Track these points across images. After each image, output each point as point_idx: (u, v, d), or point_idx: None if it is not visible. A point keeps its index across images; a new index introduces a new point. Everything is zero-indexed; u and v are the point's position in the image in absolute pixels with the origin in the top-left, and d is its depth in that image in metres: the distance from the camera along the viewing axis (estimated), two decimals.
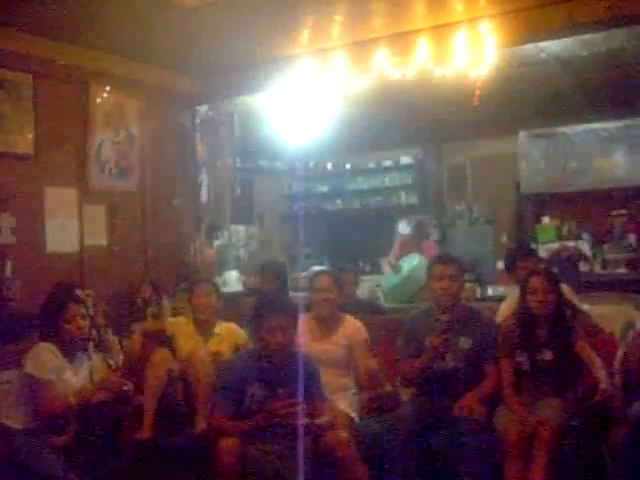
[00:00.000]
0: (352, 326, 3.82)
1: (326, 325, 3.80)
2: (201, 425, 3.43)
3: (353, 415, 3.59)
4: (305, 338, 3.52)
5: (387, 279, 6.45)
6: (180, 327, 3.94)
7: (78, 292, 3.91)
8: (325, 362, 3.49)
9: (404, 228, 8.59)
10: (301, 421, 3.00)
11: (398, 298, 5.89)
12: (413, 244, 6.68)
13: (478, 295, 5.78)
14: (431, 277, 3.50)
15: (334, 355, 3.68)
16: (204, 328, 3.91)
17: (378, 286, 6.54)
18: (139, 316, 4.85)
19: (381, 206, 9.30)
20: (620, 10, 3.99)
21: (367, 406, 3.68)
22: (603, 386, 3.05)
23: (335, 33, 4.56)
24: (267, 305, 3.30)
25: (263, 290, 4.39)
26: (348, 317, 3.86)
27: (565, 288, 3.55)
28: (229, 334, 3.93)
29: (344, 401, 3.58)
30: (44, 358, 3.22)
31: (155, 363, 3.67)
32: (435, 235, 7.73)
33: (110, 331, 4.13)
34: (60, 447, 3.16)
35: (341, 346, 3.73)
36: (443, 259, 3.63)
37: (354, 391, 3.73)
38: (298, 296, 4.29)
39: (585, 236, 7.00)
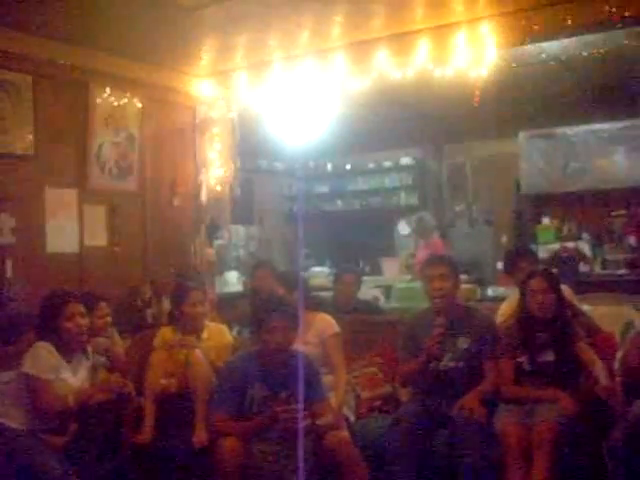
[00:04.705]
0: (323, 321, 3.76)
1: None
2: (201, 434, 3.39)
3: (348, 414, 3.58)
4: None
5: (401, 278, 6.48)
6: (167, 336, 3.80)
7: (102, 305, 3.90)
8: None
9: (404, 229, 8.61)
10: (302, 424, 3.00)
11: (408, 298, 5.86)
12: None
13: (478, 296, 5.78)
14: (424, 279, 3.52)
15: (310, 354, 3.54)
16: (192, 335, 3.76)
17: (378, 287, 6.55)
18: (139, 317, 4.85)
19: (381, 207, 9.32)
20: (620, 10, 3.99)
21: (366, 405, 3.68)
22: (604, 383, 3.06)
23: (335, 33, 4.56)
24: (267, 305, 3.30)
25: (258, 288, 4.37)
26: (320, 314, 3.80)
27: (565, 289, 3.55)
28: (215, 336, 3.83)
29: (335, 400, 3.52)
30: (42, 357, 3.22)
31: (154, 365, 3.67)
32: (432, 232, 7.72)
33: (116, 332, 4.12)
34: (60, 447, 3.16)
35: (313, 345, 3.66)
36: (433, 260, 3.66)
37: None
38: None
39: (585, 237, 7.01)
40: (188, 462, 3.37)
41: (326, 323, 3.77)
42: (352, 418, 3.60)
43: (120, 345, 4.05)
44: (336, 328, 3.75)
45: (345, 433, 3.20)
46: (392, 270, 7.32)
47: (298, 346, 3.52)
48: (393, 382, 3.78)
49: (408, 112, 6.54)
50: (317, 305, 3.96)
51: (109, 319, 3.95)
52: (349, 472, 3.03)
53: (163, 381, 3.60)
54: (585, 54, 4.77)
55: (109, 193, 5.01)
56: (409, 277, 6.66)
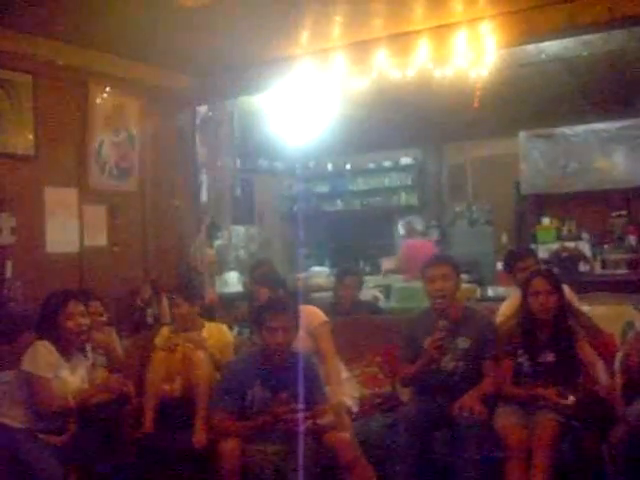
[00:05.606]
0: (310, 314, 3.72)
1: None
2: (200, 435, 3.37)
3: (350, 404, 3.57)
4: None
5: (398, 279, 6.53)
6: (167, 335, 3.81)
7: (95, 304, 3.89)
8: None
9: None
10: (303, 425, 3.00)
11: (408, 298, 5.87)
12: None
13: (478, 295, 5.79)
14: (425, 279, 3.51)
15: (302, 349, 3.47)
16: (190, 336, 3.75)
17: (378, 286, 6.55)
18: (139, 316, 4.85)
19: (381, 206, 9.32)
20: (620, 10, 4.00)
21: (367, 403, 3.68)
22: (604, 383, 3.06)
23: (335, 33, 4.56)
24: (268, 305, 3.30)
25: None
26: (306, 307, 3.74)
27: (565, 289, 3.54)
28: (215, 336, 3.82)
29: (330, 391, 3.47)
30: (41, 355, 3.22)
31: (154, 365, 3.66)
32: (419, 234, 7.78)
33: (114, 331, 4.12)
34: (60, 447, 3.16)
35: (303, 339, 3.56)
36: (434, 260, 3.62)
37: (346, 376, 3.69)
38: None
39: (585, 237, 7.01)
40: (188, 463, 3.37)
41: (312, 314, 3.74)
42: (355, 409, 3.58)
43: (118, 345, 4.05)
44: (323, 317, 3.74)
45: (346, 434, 3.19)
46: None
47: None
48: (393, 382, 3.77)
49: (408, 112, 6.54)
50: (302, 299, 3.92)
51: (102, 318, 3.94)
52: (351, 473, 3.02)
53: (166, 386, 3.60)
54: (585, 54, 4.77)
55: (109, 193, 5.01)
56: (390, 275, 6.78)
